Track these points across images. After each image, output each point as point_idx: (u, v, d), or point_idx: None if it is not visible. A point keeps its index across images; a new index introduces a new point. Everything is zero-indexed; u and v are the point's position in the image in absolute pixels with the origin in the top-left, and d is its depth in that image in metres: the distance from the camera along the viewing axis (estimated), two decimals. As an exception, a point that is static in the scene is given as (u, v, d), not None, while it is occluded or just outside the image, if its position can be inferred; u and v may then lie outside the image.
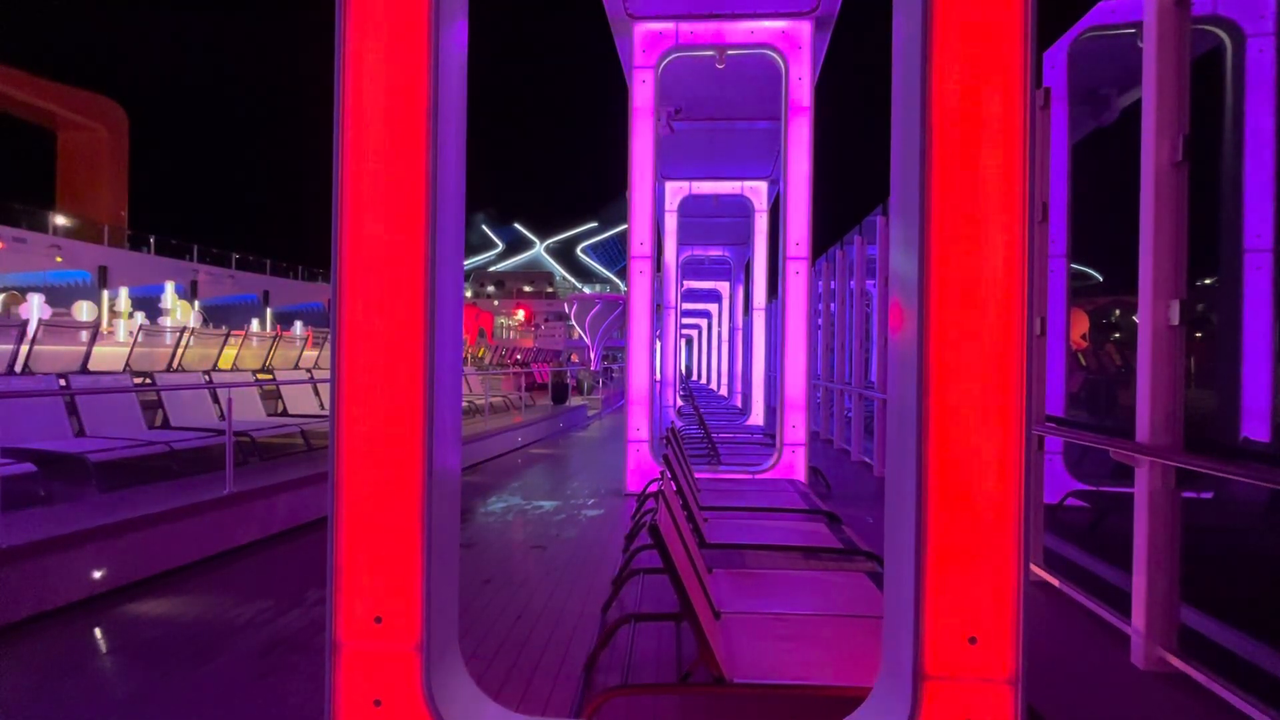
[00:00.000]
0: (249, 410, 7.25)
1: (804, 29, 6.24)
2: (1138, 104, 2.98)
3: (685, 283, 17.97)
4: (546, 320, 58.22)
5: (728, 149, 9.73)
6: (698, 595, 2.20)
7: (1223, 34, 4.74)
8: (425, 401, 1.78)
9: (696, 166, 10.67)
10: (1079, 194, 5.73)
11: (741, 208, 11.61)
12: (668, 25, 6.32)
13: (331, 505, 1.80)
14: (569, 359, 28.72)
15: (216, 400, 7.04)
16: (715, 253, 15.84)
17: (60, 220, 31.60)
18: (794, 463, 6.39)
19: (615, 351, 38.19)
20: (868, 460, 8.52)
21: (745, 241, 14.22)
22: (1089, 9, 5.34)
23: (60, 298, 23.96)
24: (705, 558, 3.16)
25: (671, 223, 11.51)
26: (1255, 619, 3.06)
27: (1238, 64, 4.68)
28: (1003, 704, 1.62)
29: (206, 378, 7.60)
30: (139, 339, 8.39)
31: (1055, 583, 3.79)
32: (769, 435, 9.08)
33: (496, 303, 68.32)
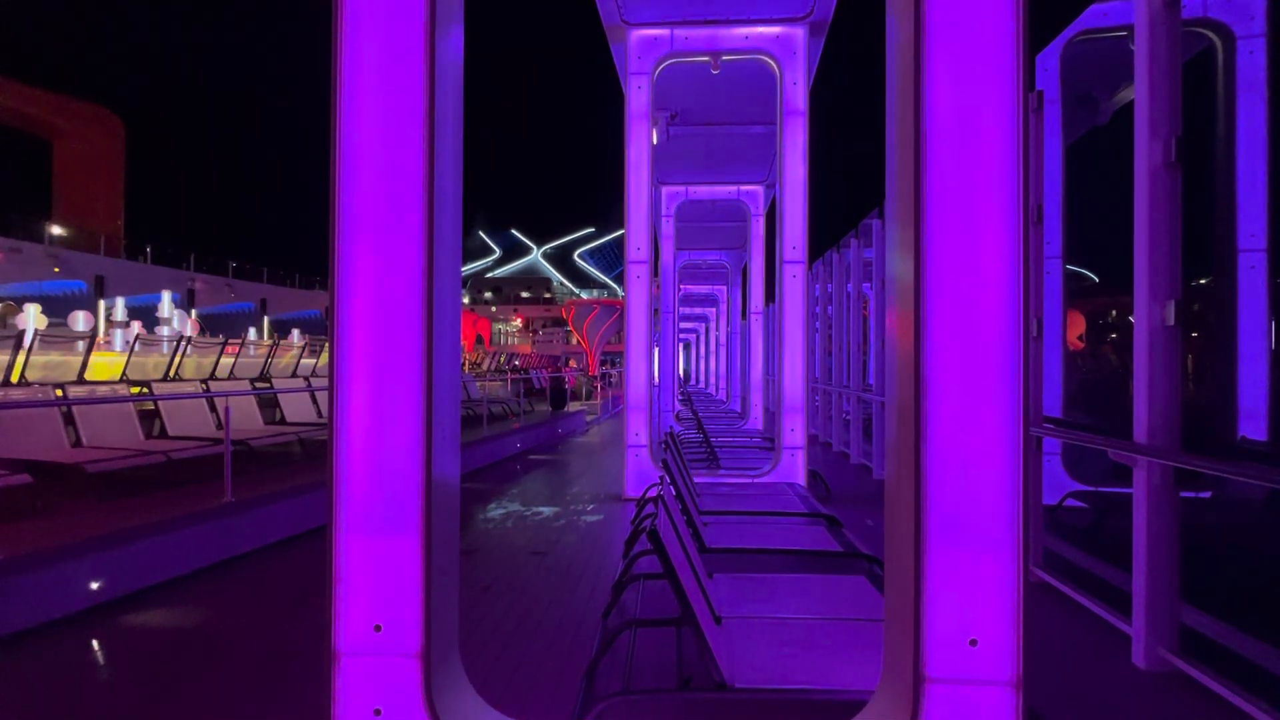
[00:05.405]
0: (247, 419, 7.23)
1: (798, 34, 6.28)
2: (1131, 106, 3.00)
3: (682, 287, 17.98)
4: (544, 326, 58.21)
5: (724, 153, 9.76)
6: (698, 600, 2.20)
7: (1213, 36, 4.78)
8: (424, 408, 1.79)
9: (693, 171, 10.70)
10: (1074, 196, 5.76)
11: (738, 212, 11.65)
12: (663, 31, 6.35)
13: (330, 513, 1.80)
14: (566, 364, 28.71)
15: (214, 409, 7.03)
16: (712, 257, 15.87)
17: (56, 230, 31.61)
18: (793, 466, 6.39)
19: (613, 356, 38.17)
20: (867, 463, 8.52)
21: (742, 246, 14.24)
22: (1081, 12, 5.38)
23: (57, 307, 23.94)
24: (705, 562, 3.15)
25: (668, 227, 11.54)
26: (1256, 617, 3.07)
27: (1229, 66, 4.71)
28: (1004, 706, 1.62)
29: (204, 387, 7.58)
30: (136, 348, 8.37)
31: (1055, 584, 3.79)
32: (768, 439, 9.08)
33: (494, 309, 68.36)
